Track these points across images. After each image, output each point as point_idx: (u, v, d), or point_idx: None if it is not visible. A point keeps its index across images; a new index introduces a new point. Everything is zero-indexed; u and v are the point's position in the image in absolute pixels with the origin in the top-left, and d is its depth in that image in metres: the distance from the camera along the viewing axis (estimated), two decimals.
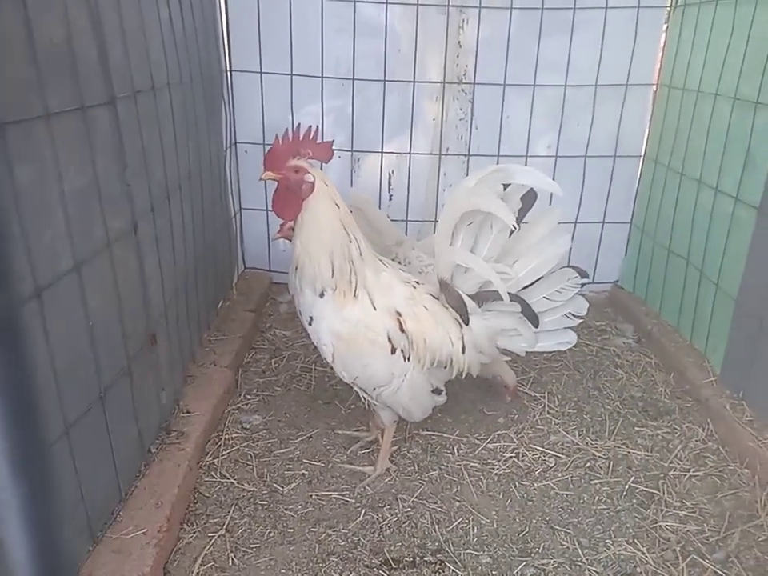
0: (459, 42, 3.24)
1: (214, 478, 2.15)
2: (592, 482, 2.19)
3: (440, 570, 1.82)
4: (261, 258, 3.62)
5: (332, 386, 2.72)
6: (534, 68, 3.25)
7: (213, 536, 1.90)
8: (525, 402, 2.63)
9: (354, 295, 1.95)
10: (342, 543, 1.91)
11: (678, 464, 2.27)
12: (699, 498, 2.11)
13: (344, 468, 2.24)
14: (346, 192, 2.56)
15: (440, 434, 2.43)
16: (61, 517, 0.44)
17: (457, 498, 2.11)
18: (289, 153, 1.90)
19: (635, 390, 2.75)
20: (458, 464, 2.27)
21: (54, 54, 1.42)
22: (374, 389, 2.04)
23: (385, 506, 2.07)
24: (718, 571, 1.82)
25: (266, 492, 2.10)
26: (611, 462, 2.28)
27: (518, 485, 2.18)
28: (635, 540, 1.94)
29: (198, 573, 1.77)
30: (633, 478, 2.20)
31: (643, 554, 1.89)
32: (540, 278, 2.05)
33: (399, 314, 1.99)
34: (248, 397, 2.63)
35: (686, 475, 2.21)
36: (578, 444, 2.38)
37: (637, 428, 2.48)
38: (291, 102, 3.29)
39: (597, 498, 2.12)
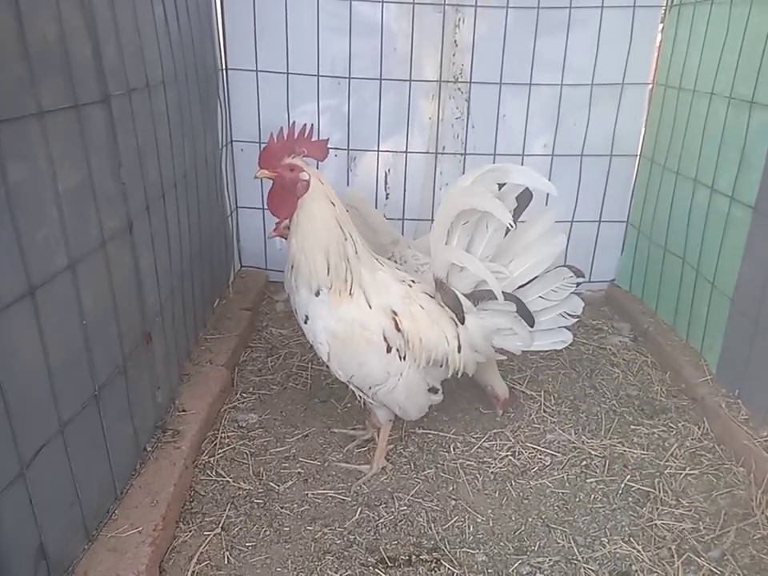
0: (455, 40, 3.24)
1: (210, 476, 2.14)
2: (588, 481, 2.20)
3: (436, 569, 1.82)
4: (257, 256, 3.62)
5: (328, 384, 2.72)
6: (530, 67, 3.25)
7: (208, 534, 1.90)
8: (521, 401, 2.63)
9: (350, 294, 1.94)
10: (338, 542, 1.91)
11: (674, 462, 2.28)
12: (695, 497, 2.12)
13: (340, 466, 2.24)
14: (343, 191, 2.55)
15: (436, 432, 2.43)
16: None
17: (453, 496, 2.12)
18: (284, 151, 1.90)
19: (631, 388, 2.76)
20: (454, 462, 2.27)
21: (48, 52, 1.41)
22: (370, 388, 2.04)
23: (381, 504, 2.07)
24: (714, 569, 1.83)
25: (261, 490, 2.10)
26: (607, 461, 2.29)
27: (513, 483, 2.18)
28: (631, 538, 1.95)
29: (193, 571, 1.77)
30: (628, 476, 2.21)
31: (639, 552, 1.89)
32: (535, 278, 2.05)
33: (395, 312, 1.99)
34: (244, 395, 2.62)
35: (681, 474, 2.22)
36: (573, 442, 2.39)
37: (633, 426, 2.49)
38: (287, 101, 3.28)
39: (592, 496, 2.13)
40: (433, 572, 1.82)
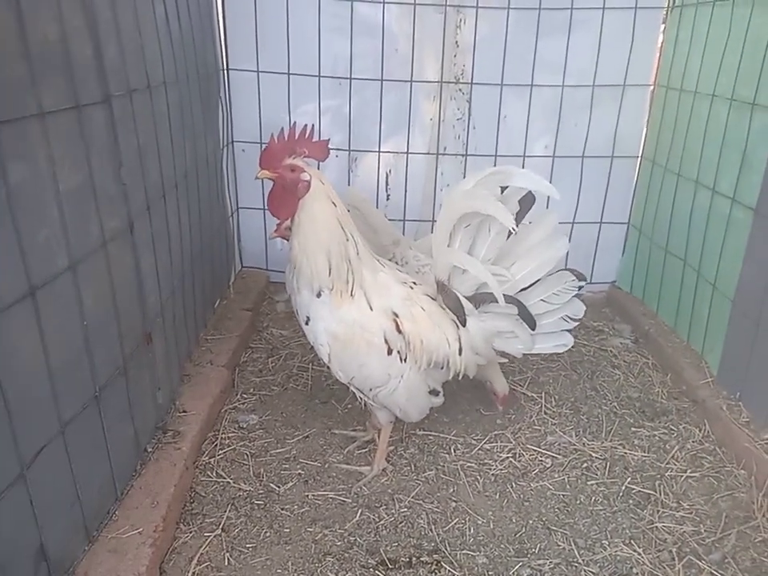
0: (456, 41, 3.24)
1: (210, 477, 2.14)
2: (589, 483, 2.19)
3: (436, 571, 1.82)
4: (258, 256, 3.62)
5: (329, 385, 2.72)
6: (531, 68, 3.24)
7: (209, 536, 1.90)
8: (522, 403, 2.63)
9: (351, 295, 1.94)
10: (339, 543, 1.90)
11: (675, 465, 2.27)
12: (696, 499, 2.11)
13: (341, 468, 2.24)
14: (344, 191, 2.55)
15: (437, 434, 2.43)
16: None
17: (453, 498, 2.11)
18: (284, 152, 1.90)
19: (632, 390, 2.75)
20: (455, 464, 2.27)
21: (49, 52, 1.41)
22: (371, 389, 2.04)
23: (381, 506, 2.06)
24: (714, 572, 1.82)
25: (262, 492, 2.10)
26: (608, 463, 2.28)
27: (514, 485, 2.17)
28: (631, 541, 1.94)
29: (193, 572, 1.77)
30: (629, 478, 2.20)
31: (639, 554, 1.89)
32: (537, 281, 2.05)
33: (396, 314, 1.98)
34: (245, 396, 2.62)
35: (682, 476, 2.22)
36: (574, 445, 2.38)
37: (634, 429, 2.48)
38: (288, 101, 3.28)
39: (593, 498, 2.12)
40: (433, 574, 1.81)
